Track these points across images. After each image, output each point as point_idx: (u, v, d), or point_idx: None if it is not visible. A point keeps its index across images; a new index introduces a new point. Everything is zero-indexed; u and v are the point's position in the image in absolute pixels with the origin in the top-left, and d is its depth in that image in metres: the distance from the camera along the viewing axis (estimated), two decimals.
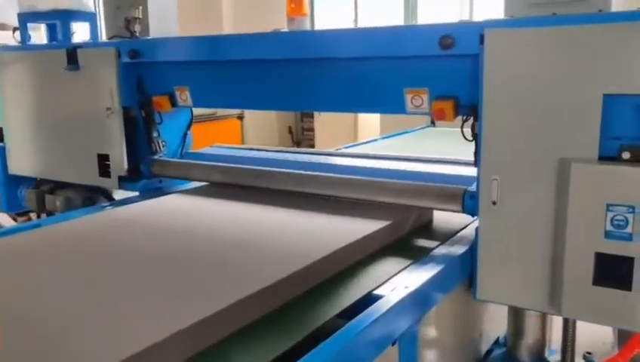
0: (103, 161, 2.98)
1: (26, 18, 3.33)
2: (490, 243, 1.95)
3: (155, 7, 3.02)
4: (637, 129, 1.70)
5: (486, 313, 2.36)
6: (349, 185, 2.36)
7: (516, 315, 2.26)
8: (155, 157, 2.98)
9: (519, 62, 1.82)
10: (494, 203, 1.91)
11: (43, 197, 3.34)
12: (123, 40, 2.96)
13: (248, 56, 2.55)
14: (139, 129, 2.95)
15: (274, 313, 1.58)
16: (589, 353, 2.36)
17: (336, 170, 2.58)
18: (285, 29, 2.56)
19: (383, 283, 1.75)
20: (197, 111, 3.27)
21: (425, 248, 2.09)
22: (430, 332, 1.93)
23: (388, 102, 2.30)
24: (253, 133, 8.10)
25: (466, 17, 7.12)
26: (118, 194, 3.26)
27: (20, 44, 3.37)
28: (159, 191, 2.97)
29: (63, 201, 3.23)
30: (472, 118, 2.06)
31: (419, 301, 1.72)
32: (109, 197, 3.29)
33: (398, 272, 1.84)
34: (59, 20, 3.30)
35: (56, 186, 3.33)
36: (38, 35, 3.70)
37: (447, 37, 1.99)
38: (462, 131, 2.11)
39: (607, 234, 1.70)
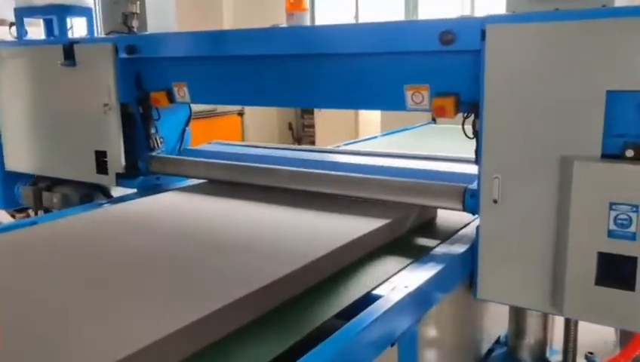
0: (101, 157, 2.95)
1: (23, 13, 3.30)
2: (491, 242, 1.92)
3: (152, 3, 2.99)
4: None
5: (487, 312, 2.34)
6: (348, 183, 2.34)
7: (517, 315, 2.24)
8: (153, 153, 2.95)
9: (521, 59, 1.79)
10: (495, 201, 1.89)
11: (40, 194, 3.31)
12: (120, 35, 2.93)
13: (247, 52, 2.52)
14: (137, 125, 2.92)
15: (272, 313, 1.56)
16: (591, 353, 2.34)
17: (336, 167, 2.55)
18: (284, 25, 2.52)
19: (382, 283, 1.73)
20: (197, 107, 3.24)
21: (425, 247, 2.06)
22: (430, 332, 1.91)
23: (388, 99, 2.27)
24: (254, 130, 8.07)
25: (467, 13, 7.07)
26: (116, 191, 3.24)
27: (16, 40, 3.34)
28: (157, 189, 2.94)
29: (60, 198, 3.21)
30: (473, 115, 2.04)
31: (419, 301, 1.69)
32: (106, 195, 3.26)
33: (398, 272, 1.82)
34: (55, 15, 3.27)
35: (54, 183, 3.31)
36: (37, 30, 3.67)
37: (447, 32, 1.96)
38: (463, 129, 2.08)
39: (611, 234, 1.67)
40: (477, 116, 1.98)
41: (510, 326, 2.28)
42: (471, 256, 1.99)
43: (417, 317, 1.69)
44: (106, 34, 3.11)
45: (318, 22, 8.43)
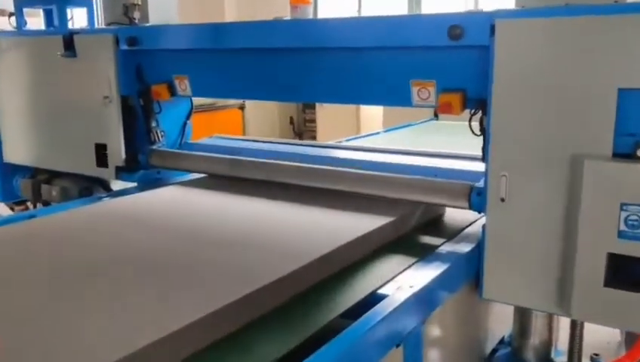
0: (101, 150, 2.91)
1: (22, 3, 3.26)
2: (498, 242, 1.89)
3: None
4: None
5: (491, 312, 2.31)
6: (353, 180, 2.30)
7: (522, 315, 2.20)
8: (154, 147, 2.92)
9: (531, 54, 1.75)
10: (502, 200, 1.85)
11: (39, 186, 3.28)
12: (121, 27, 2.88)
13: (250, 45, 2.47)
14: (137, 118, 2.88)
15: (276, 311, 1.53)
16: (597, 354, 2.31)
17: (339, 163, 2.51)
18: (288, 17, 2.48)
19: (387, 282, 1.70)
20: (197, 101, 3.20)
21: (430, 245, 2.03)
22: (434, 332, 1.87)
23: (393, 95, 2.23)
24: (255, 124, 8.02)
25: (471, 8, 7.01)
26: (116, 185, 3.20)
27: (15, 30, 3.29)
28: (157, 183, 2.91)
29: (59, 191, 3.17)
30: (480, 112, 2.00)
31: (424, 301, 1.66)
32: (106, 188, 3.23)
33: (403, 271, 1.78)
34: (55, 5, 3.23)
35: (53, 176, 3.27)
36: (37, 21, 3.63)
37: (456, 27, 1.92)
38: (470, 125, 2.04)
39: (621, 234, 1.64)
40: (484, 113, 1.95)
41: (515, 326, 2.25)
42: (477, 255, 1.95)
43: (423, 317, 1.66)
44: (107, 25, 3.07)
45: (321, 16, 8.38)
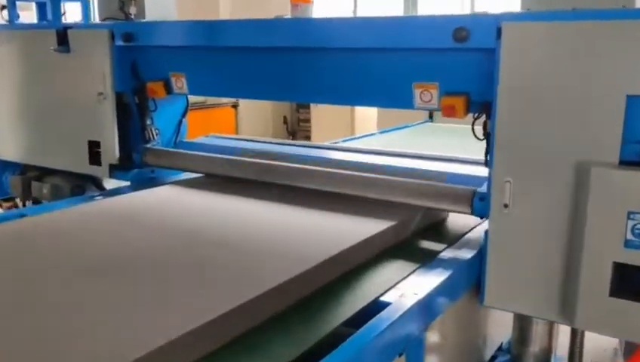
0: (94, 148, 2.86)
1: None
2: (501, 248, 1.86)
3: None
4: None
5: (490, 318, 2.28)
6: (354, 182, 2.26)
7: (522, 322, 2.18)
8: (148, 145, 2.87)
9: (538, 58, 1.72)
10: (506, 206, 1.82)
11: (29, 183, 3.22)
12: (117, 22, 2.83)
13: (249, 43, 2.43)
14: (132, 116, 2.83)
15: (276, 319, 1.48)
16: None
17: (338, 165, 2.47)
18: (288, 16, 2.44)
19: (389, 289, 1.66)
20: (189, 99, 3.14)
21: (431, 251, 1.99)
22: (434, 339, 1.84)
23: (395, 97, 2.19)
24: (248, 123, 7.96)
25: (467, 10, 7.00)
26: (109, 184, 3.14)
27: (7, 23, 3.22)
28: (152, 182, 2.86)
29: (50, 189, 3.11)
30: (483, 116, 1.97)
31: (428, 308, 1.63)
32: (99, 186, 3.17)
33: (406, 277, 1.75)
34: None
35: (44, 173, 3.20)
36: (30, 14, 3.56)
37: (461, 29, 1.88)
38: (472, 129, 2.02)
39: (628, 244, 1.61)
40: (488, 117, 1.92)
41: (514, 333, 2.22)
42: (478, 262, 1.92)
43: (426, 325, 1.63)
44: (102, 20, 3.01)
45: (316, 17, 8.30)
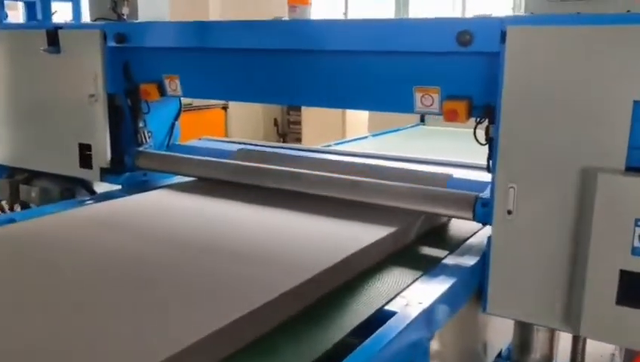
0: (85, 150, 2.79)
1: None
2: (504, 255, 1.83)
3: None
4: None
5: (490, 325, 2.25)
6: (352, 187, 2.22)
7: (523, 329, 2.15)
8: (141, 148, 2.81)
9: (543, 62, 1.70)
10: (510, 212, 1.79)
11: (17, 187, 3.13)
12: (109, 22, 2.77)
13: (244, 45, 2.38)
14: (124, 118, 2.77)
15: (278, 331, 1.43)
16: None
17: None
18: (286, 18, 2.40)
19: (394, 298, 1.62)
20: None
21: (433, 258, 1.96)
22: (435, 347, 1.80)
23: (395, 101, 2.16)
24: (238, 125, 7.88)
25: (459, 14, 7.01)
26: (99, 187, 3.08)
27: None
28: (144, 185, 2.80)
29: (38, 192, 3.04)
30: (486, 121, 1.95)
31: (433, 317, 1.60)
32: (89, 190, 3.09)
33: (409, 285, 1.71)
34: None
35: (32, 176, 3.13)
36: (14, 14, 3.48)
37: (465, 32, 1.86)
38: (474, 134, 1.99)
39: (635, 251, 1.59)
40: (491, 121, 1.89)
41: (515, 339, 2.20)
42: (480, 268, 1.89)
43: (431, 334, 1.59)
44: (93, 20, 2.95)
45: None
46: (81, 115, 2.76)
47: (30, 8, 3.16)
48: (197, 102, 6.96)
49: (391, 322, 1.45)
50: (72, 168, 2.85)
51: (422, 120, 5.27)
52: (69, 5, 3.29)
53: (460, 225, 2.24)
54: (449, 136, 4.63)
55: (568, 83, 1.67)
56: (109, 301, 1.46)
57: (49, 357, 1.20)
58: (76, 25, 3.07)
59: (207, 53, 2.54)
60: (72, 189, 3.06)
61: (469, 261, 1.91)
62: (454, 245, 2.09)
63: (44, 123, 2.93)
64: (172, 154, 2.82)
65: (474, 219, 1.98)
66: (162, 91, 2.69)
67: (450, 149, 3.93)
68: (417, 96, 2.09)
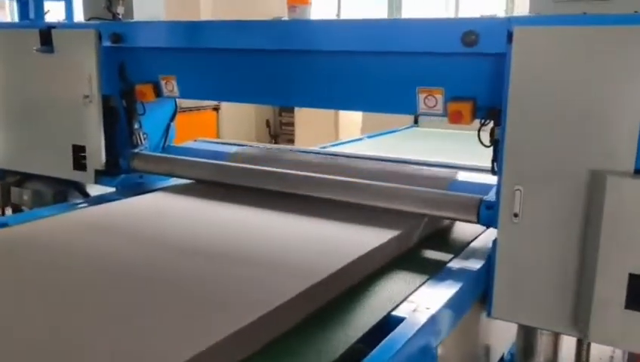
0: (79, 152, 2.73)
1: None
2: (510, 258, 1.80)
3: None
4: None
5: (493, 329, 2.22)
6: (354, 189, 2.19)
7: (527, 332, 2.12)
8: (136, 150, 2.76)
9: (551, 64, 1.67)
10: (516, 215, 1.77)
11: (8, 189, 3.07)
12: (104, 22, 2.71)
13: (243, 45, 2.35)
14: (119, 119, 2.72)
15: (285, 337, 1.40)
16: None
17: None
18: (286, 18, 2.36)
19: (400, 303, 1.59)
20: None
21: (438, 261, 1.93)
22: (442, 353, 1.78)
23: (398, 102, 2.14)
24: (230, 126, 7.83)
25: (452, 15, 7.00)
26: (92, 189, 3.02)
27: None
28: (139, 188, 2.75)
29: (31, 195, 2.97)
30: (490, 122, 1.92)
31: (442, 322, 1.57)
32: (82, 192, 3.03)
33: (415, 290, 1.68)
34: None
35: (24, 178, 3.06)
36: (3, 14, 3.42)
37: (470, 33, 1.83)
38: (479, 136, 1.96)
39: None
40: (497, 123, 1.87)
41: (518, 343, 2.17)
42: (485, 272, 1.87)
43: (440, 339, 1.56)
44: (87, 20, 2.89)
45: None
46: (75, 116, 2.70)
47: (23, 7, 3.09)
48: (188, 103, 6.90)
49: (400, 328, 1.42)
50: (65, 170, 2.79)
51: (415, 121, 5.27)
52: (62, 4, 3.21)
53: (462, 228, 2.21)
54: (443, 138, 4.62)
55: (576, 84, 1.65)
56: (117, 303, 1.43)
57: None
58: (70, 24, 3.01)
59: (204, 53, 2.50)
60: (64, 192, 3.00)
61: (475, 264, 1.88)
62: (458, 248, 2.06)
63: (37, 124, 2.87)
64: (168, 156, 2.77)
65: (478, 222, 1.96)
66: (158, 92, 2.65)
67: (446, 150, 3.91)
68: (420, 97, 2.06)
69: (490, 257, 1.86)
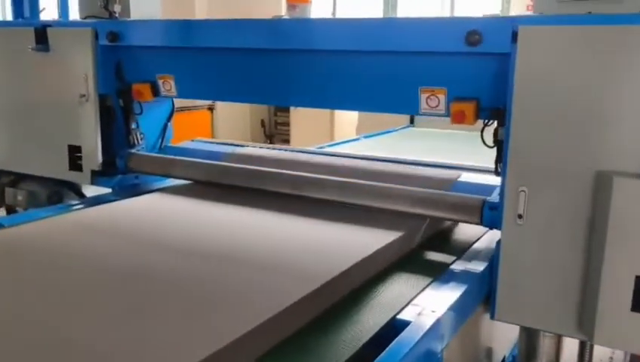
0: (74, 152, 2.70)
1: None
2: (514, 260, 1.79)
3: None
4: None
5: (494, 331, 2.21)
6: (355, 190, 2.16)
7: (529, 335, 2.11)
8: (133, 150, 2.72)
9: (556, 64, 1.66)
10: (520, 216, 1.75)
11: (3, 190, 3.03)
12: (101, 20, 2.68)
13: (240, 45, 2.31)
14: (115, 119, 2.69)
15: (289, 341, 1.37)
16: None
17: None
18: (285, 17, 2.34)
19: (405, 306, 1.57)
20: None
21: (441, 263, 1.91)
22: (447, 356, 1.76)
23: (399, 102, 2.11)
24: (225, 126, 7.78)
25: (447, 14, 6.98)
26: (88, 190, 2.98)
27: None
28: (135, 189, 2.72)
29: (25, 196, 2.93)
30: (494, 123, 1.90)
31: (447, 325, 1.55)
32: (78, 193, 3.00)
33: (420, 293, 1.66)
34: None
35: (19, 178, 3.02)
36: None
37: (474, 32, 1.81)
38: (482, 136, 1.94)
39: None
40: (500, 123, 1.85)
41: (520, 346, 2.15)
42: (488, 274, 1.85)
43: (445, 343, 1.54)
44: (83, 18, 2.85)
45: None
46: (71, 115, 2.66)
47: (17, 5, 3.05)
48: (182, 102, 6.85)
49: (406, 332, 1.39)
50: (61, 171, 2.76)
51: (411, 121, 5.26)
52: (55, 2, 3.17)
53: (463, 229, 2.19)
54: (440, 138, 4.62)
55: (581, 83, 1.63)
56: (115, 304, 1.40)
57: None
58: (66, 23, 2.97)
59: (202, 52, 2.46)
60: (59, 192, 2.96)
61: (478, 266, 1.86)
62: (460, 250, 2.04)
63: (32, 124, 2.83)
64: (165, 156, 2.74)
65: (481, 223, 1.94)
66: (155, 91, 2.61)
67: (443, 150, 3.91)
68: (423, 97, 2.04)
69: (493, 259, 1.84)
